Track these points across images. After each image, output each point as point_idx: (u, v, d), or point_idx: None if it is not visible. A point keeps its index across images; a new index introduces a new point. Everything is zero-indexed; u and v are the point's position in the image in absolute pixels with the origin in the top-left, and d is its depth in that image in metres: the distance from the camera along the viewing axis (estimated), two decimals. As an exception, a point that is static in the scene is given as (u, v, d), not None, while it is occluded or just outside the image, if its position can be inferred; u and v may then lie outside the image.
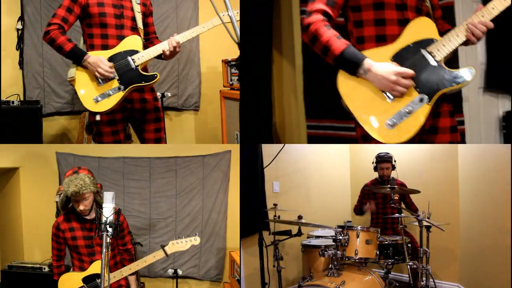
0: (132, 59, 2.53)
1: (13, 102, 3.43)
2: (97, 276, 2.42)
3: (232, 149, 3.58)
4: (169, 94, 4.13)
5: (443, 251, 3.54)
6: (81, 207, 2.38)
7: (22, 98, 3.78)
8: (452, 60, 3.15)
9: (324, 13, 1.89)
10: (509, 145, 3.03)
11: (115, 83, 2.51)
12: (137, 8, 2.64)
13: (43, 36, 2.48)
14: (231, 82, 3.62)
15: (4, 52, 3.67)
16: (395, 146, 3.56)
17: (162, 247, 2.54)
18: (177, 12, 4.23)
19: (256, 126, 3.36)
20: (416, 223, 2.77)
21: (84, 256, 2.48)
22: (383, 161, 3.48)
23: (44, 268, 3.18)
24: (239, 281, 3.09)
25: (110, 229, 1.89)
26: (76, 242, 2.48)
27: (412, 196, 3.50)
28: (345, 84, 1.89)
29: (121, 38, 2.57)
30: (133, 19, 2.63)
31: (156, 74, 2.56)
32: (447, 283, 3.58)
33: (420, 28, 1.88)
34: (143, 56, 2.55)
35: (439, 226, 2.67)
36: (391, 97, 1.82)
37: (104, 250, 1.85)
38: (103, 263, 1.85)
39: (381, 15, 1.90)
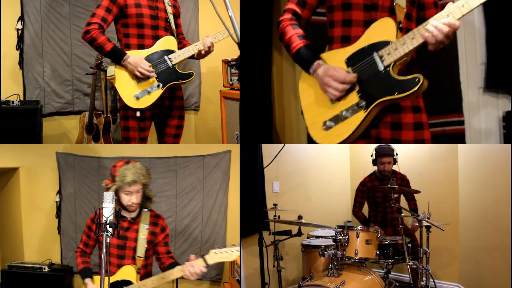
0: (169, 58, 2.69)
1: (13, 102, 3.43)
2: (125, 283, 2.21)
3: (232, 149, 3.57)
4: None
5: (443, 251, 3.54)
6: (134, 200, 2.20)
7: (22, 98, 3.78)
8: (452, 61, 3.16)
9: (294, 13, 1.97)
10: (509, 145, 3.03)
11: (154, 81, 2.65)
12: (169, 10, 2.79)
13: (83, 35, 2.57)
14: (231, 82, 3.62)
15: (4, 52, 3.67)
16: (395, 145, 3.56)
17: (202, 256, 2.15)
18: (177, 12, 4.24)
19: (256, 126, 3.36)
20: (416, 223, 2.77)
21: (113, 258, 2.27)
22: (384, 155, 3.29)
23: (44, 268, 3.18)
24: (239, 281, 3.09)
25: (110, 229, 1.88)
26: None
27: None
28: (302, 82, 1.95)
29: (156, 38, 2.71)
30: (167, 20, 2.77)
31: (192, 73, 2.75)
32: (447, 283, 3.58)
33: (380, 29, 1.77)
34: (179, 56, 2.71)
35: (439, 226, 2.67)
36: (334, 99, 1.82)
37: (104, 250, 1.84)
38: (103, 263, 1.85)
39: (348, 16, 1.88)
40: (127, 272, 2.24)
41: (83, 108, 3.97)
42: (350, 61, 1.81)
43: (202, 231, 3.57)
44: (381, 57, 1.73)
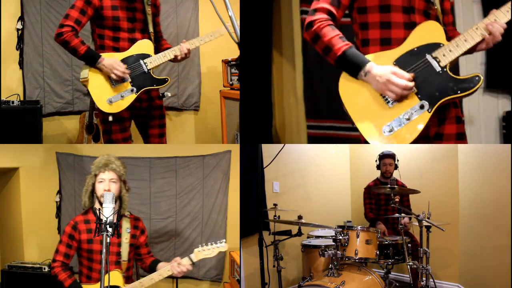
0: (145, 63, 2.64)
1: (13, 102, 3.42)
2: None
3: (232, 149, 3.57)
4: (169, 94, 4.08)
5: (443, 251, 3.54)
6: (106, 188, 2.22)
7: (22, 98, 3.78)
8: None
9: (329, 12, 1.85)
10: (509, 145, 3.03)
11: (128, 86, 2.60)
12: (148, 10, 2.70)
13: (56, 37, 2.51)
14: (231, 82, 3.62)
15: (4, 52, 3.67)
16: (395, 146, 3.56)
17: (188, 255, 2.35)
18: (177, 12, 4.23)
19: (256, 126, 3.36)
20: (416, 223, 2.77)
21: (95, 264, 2.27)
22: (385, 156, 3.49)
23: (44, 268, 3.17)
24: (239, 281, 3.09)
25: (110, 229, 1.88)
26: (91, 246, 2.27)
27: (412, 196, 3.50)
28: (346, 86, 1.84)
29: (132, 41, 2.64)
30: (144, 21, 2.69)
31: (167, 78, 2.70)
32: (447, 283, 3.58)
33: (427, 32, 1.81)
34: (155, 60, 2.66)
35: (439, 226, 2.67)
36: (391, 102, 1.77)
37: (104, 250, 1.84)
38: (103, 263, 1.84)
39: (387, 18, 1.84)
40: (113, 277, 2.25)
41: (83, 108, 3.97)
42: (400, 63, 1.78)
43: (202, 231, 3.57)
44: (435, 58, 1.77)
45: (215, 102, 3.94)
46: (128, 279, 2.35)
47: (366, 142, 1.80)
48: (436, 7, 1.88)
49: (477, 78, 1.72)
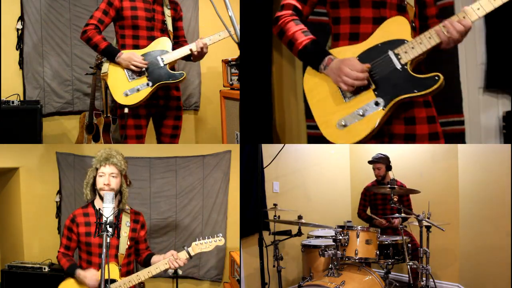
0: (161, 58, 2.73)
1: (13, 102, 3.42)
2: (110, 282, 2.21)
3: (232, 149, 3.57)
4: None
5: (443, 251, 3.54)
6: (106, 182, 2.23)
7: (22, 98, 3.78)
8: (452, 61, 3.16)
9: (294, 8, 1.91)
10: (509, 145, 3.03)
11: (144, 79, 2.70)
12: (168, 13, 2.85)
13: (81, 35, 2.72)
14: (231, 82, 3.62)
15: (4, 52, 3.67)
16: (395, 146, 3.56)
17: (184, 248, 2.36)
18: (177, 12, 4.24)
19: (256, 126, 3.36)
20: (416, 223, 2.78)
21: (95, 257, 2.29)
22: (374, 162, 3.57)
23: (44, 268, 3.17)
24: (239, 281, 3.09)
25: (110, 229, 1.89)
26: (89, 239, 2.29)
27: (412, 196, 3.50)
28: (309, 80, 1.87)
29: (151, 39, 2.78)
30: (163, 22, 2.84)
31: (182, 73, 2.77)
32: (447, 283, 3.58)
33: (393, 27, 1.77)
34: (172, 56, 2.74)
35: (439, 226, 2.67)
36: (348, 97, 1.76)
37: (104, 250, 1.85)
38: (103, 263, 1.85)
39: (357, 13, 1.84)
40: (110, 270, 2.22)
41: (83, 108, 3.97)
42: (363, 58, 1.77)
43: (202, 231, 3.57)
44: (397, 55, 1.73)
45: (215, 102, 3.94)
46: (128, 273, 2.35)
47: (327, 141, 1.81)
48: (406, 1, 1.84)
49: (436, 77, 1.66)
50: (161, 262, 2.31)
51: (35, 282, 3.16)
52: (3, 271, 3.20)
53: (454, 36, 1.65)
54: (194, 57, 2.80)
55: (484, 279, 3.22)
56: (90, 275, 2.23)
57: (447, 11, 3.22)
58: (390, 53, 1.74)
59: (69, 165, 3.59)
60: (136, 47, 2.76)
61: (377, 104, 1.71)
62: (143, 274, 2.28)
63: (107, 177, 2.26)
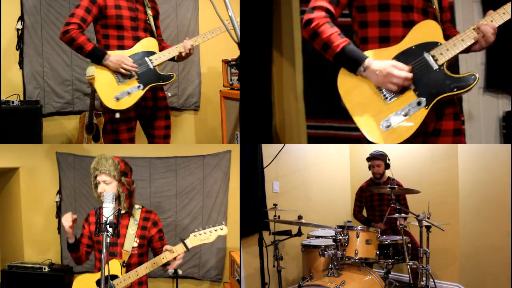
0: (150, 60, 2.65)
1: (13, 102, 3.42)
2: (112, 277, 2.24)
3: (232, 149, 3.58)
4: (169, 94, 4.09)
5: (443, 251, 3.54)
6: (100, 190, 2.26)
7: (22, 98, 3.78)
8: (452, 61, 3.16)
9: (327, 10, 1.87)
10: (509, 145, 3.03)
11: (135, 82, 2.61)
12: (149, 12, 2.76)
13: (62, 35, 2.52)
14: (231, 82, 3.62)
15: (4, 52, 3.67)
16: (395, 146, 3.56)
17: (182, 240, 2.25)
18: (177, 12, 4.23)
19: (256, 126, 3.36)
20: (416, 223, 2.78)
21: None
22: (374, 158, 3.52)
23: (44, 268, 3.18)
24: (239, 281, 3.09)
25: (110, 229, 1.89)
26: (99, 238, 2.25)
27: (412, 196, 3.50)
28: (345, 82, 1.88)
29: (136, 39, 2.67)
30: (146, 21, 2.74)
31: (172, 74, 2.71)
32: (447, 283, 3.58)
33: (425, 30, 1.85)
34: (160, 57, 2.68)
35: (439, 226, 2.67)
36: (389, 98, 1.80)
37: (104, 250, 1.84)
38: (103, 263, 1.85)
39: (386, 17, 1.88)
40: (112, 266, 2.27)
41: (83, 108, 3.97)
42: (399, 60, 1.82)
43: (202, 231, 3.57)
44: (433, 56, 1.81)
45: (215, 102, 3.94)
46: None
47: (368, 142, 1.82)
48: (434, 6, 1.92)
49: (473, 76, 1.75)
50: (158, 257, 2.29)
51: (35, 282, 3.17)
52: (3, 271, 3.20)
53: (489, 37, 1.78)
54: (179, 58, 2.75)
55: (484, 279, 3.22)
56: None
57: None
58: (426, 55, 1.82)
59: (69, 165, 3.59)
60: (121, 47, 2.64)
61: (419, 103, 1.77)
62: (141, 270, 2.29)
63: (102, 185, 2.29)
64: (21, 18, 3.80)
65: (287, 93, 3.61)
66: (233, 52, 3.39)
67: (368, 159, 3.57)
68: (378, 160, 3.51)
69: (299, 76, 3.52)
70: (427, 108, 1.77)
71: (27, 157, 3.55)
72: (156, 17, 2.84)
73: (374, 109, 1.81)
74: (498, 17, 1.78)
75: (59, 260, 3.60)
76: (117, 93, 2.56)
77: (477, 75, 1.75)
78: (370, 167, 3.59)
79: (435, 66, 1.80)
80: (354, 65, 1.83)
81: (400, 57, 1.83)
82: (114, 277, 2.26)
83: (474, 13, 3.28)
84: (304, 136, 3.57)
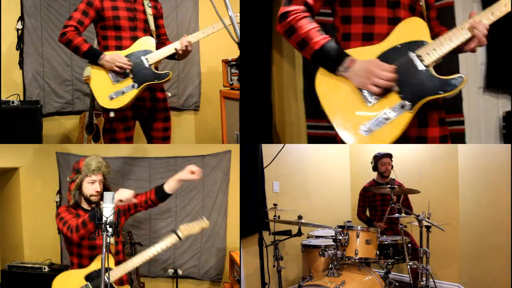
0: (146, 58, 2.64)
1: (13, 102, 3.42)
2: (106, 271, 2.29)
3: (232, 149, 3.57)
4: (169, 94, 4.10)
5: (443, 251, 3.54)
6: (98, 189, 2.32)
7: (22, 98, 3.78)
8: (452, 61, 3.16)
9: (305, 4, 1.73)
10: (509, 145, 3.03)
11: (129, 81, 2.61)
12: (149, 11, 2.76)
13: (59, 37, 2.58)
14: (231, 82, 3.62)
15: (4, 52, 3.67)
16: (395, 146, 3.56)
17: (174, 231, 2.41)
18: (177, 12, 4.24)
19: (256, 126, 3.36)
20: (416, 223, 2.78)
21: (85, 250, 2.31)
22: (384, 156, 3.49)
23: (44, 268, 3.17)
24: (239, 281, 3.09)
25: (110, 229, 1.89)
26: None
27: (412, 196, 3.50)
28: (324, 83, 1.74)
29: (134, 39, 2.69)
30: (146, 21, 2.75)
31: (168, 73, 2.67)
32: (447, 283, 3.58)
33: (411, 28, 1.72)
34: (156, 56, 2.66)
35: (439, 226, 2.67)
36: (371, 100, 1.67)
37: (104, 250, 1.85)
38: (103, 263, 1.85)
39: (371, 12, 1.74)
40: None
41: (83, 108, 3.97)
42: (383, 59, 1.67)
43: (202, 231, 3.56)
44: (419, 56, 1.67)
45: (215, 102, 3.94)
46: (118, 263, 2.36)
47: (343, 142, 1.71)
48: (421, 3, 1.80)
49: (460, 78, 1.63)
50: (146, 252, 2.32)
51: (35, 282, 3.16)
52: (3, 271, 3.20)
53: (481, 39, 1.65)
54: (178, 56, 2.73)
55: (484, 279, 3.22)
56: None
57: (447, 11, 3.22)
58: (412, 54, 1.68)
59: (69, 165, 3.58)
60: (119, 48, 2.66)
61: (403, 107, 1.64)
62: (142, 258, 2.32)
63: (97, 185, 2.34)
64: (21, 18, 3.80)
65: (287, 93, 3.61)
66: (233, 52, 3.39)
67: (376, 158, 3.53)
68: (388, 158, 3.48)
69: (299, 76, 3.52)
70: (411, 112, 1.63)
71: (27, 157, 3.55)
72: (158, 16, 2.84)
73: (353, 113, 1.67)
74: (486, 17, 1.65)
75: (59, 260, 3.59)
76: (111, 92, 2.59)
77: (465, 77, 1.62)
78: (375, 167, 3.56)
79: (421, 67, 1.66)
80: (334, 64, 1.68)
81: (383, 56, 1.69)
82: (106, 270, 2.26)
83: (474, 13, 3.28)
84: (304, 136, 3.57)
